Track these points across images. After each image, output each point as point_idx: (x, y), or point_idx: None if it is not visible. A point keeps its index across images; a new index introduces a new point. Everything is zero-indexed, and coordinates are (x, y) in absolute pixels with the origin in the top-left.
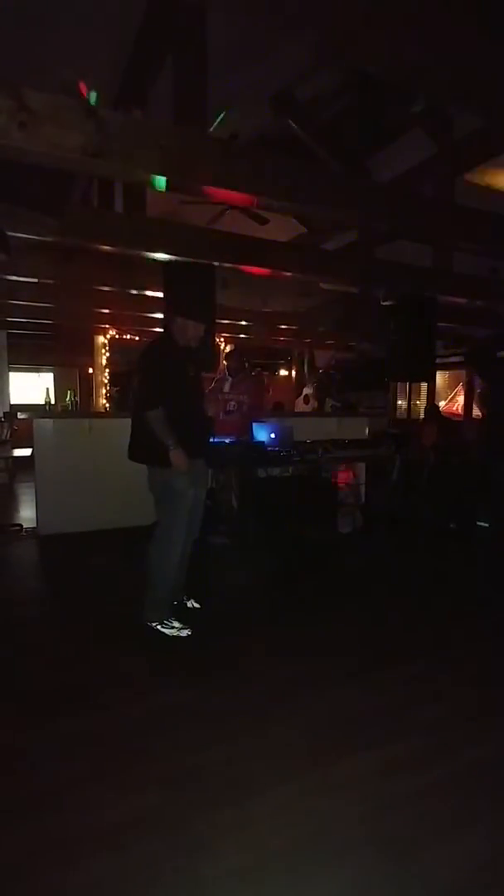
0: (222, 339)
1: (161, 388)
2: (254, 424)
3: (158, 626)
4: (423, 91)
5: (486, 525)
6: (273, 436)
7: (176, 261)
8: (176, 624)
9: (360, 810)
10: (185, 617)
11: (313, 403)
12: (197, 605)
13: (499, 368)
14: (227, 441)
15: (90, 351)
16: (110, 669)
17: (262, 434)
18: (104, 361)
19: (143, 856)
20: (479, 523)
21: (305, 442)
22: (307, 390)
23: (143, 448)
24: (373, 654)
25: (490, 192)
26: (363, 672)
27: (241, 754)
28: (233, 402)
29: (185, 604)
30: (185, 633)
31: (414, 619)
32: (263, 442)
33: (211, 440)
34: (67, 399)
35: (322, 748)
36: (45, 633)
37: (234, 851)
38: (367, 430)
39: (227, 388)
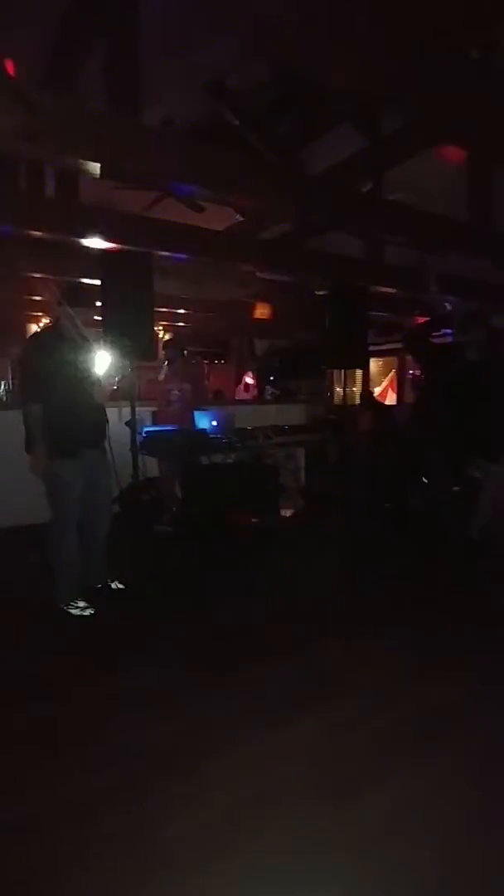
0: (161, 327)
1: (37, 384)
2: (195, 412)
3: (66, 608)
4: (346, 89)
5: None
6: (214, 423)
7: (112, 248)
8: (81, 604)
9: (302, 767)
10: (113, 600)
11: (253, 391)
12: (121, 586)
13: (433, 353)
14: (168, 429)
15: (22, 341)
16: (57, 660)
17: (204, 422)
18: None
19: (104, 826)
20: (385, 505)
21: (246, 429)
22: (247, 378)
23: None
24: (309, 627)
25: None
26: (300, 644)
27: (189, 728)
28: (175, 392)
29: (110, 585)
30: (88, 612)
31: (351, 594)
32: (205, 430)
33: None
34: (0, 390)
35: (264, 716)
36: None
37: (188, 814)
38: (305, 417)
39: (162, 376)
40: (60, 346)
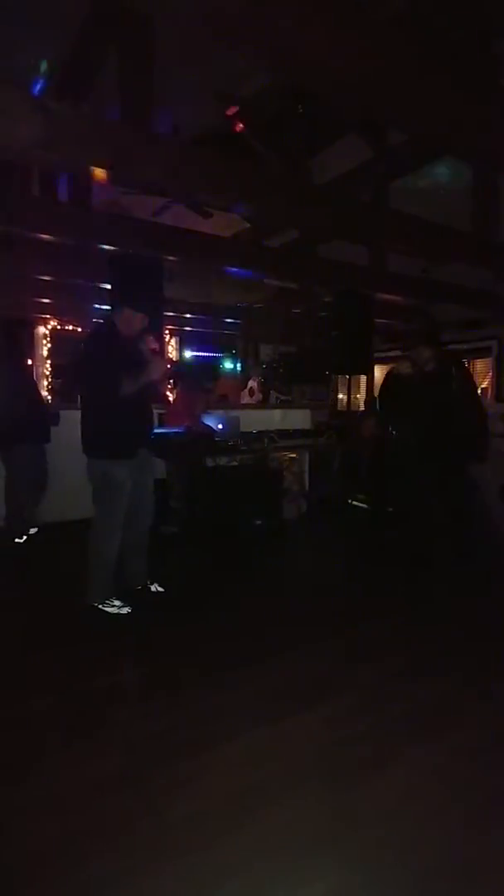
0: (168, 332)
1: (114, 374)
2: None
3: (101, 606)
4: (354, 105)
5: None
6: (220, 426)
7: (123, 252)
8: (116, 603)
9: (304, 756)
10: (144, 601)
11: (258, 396)
12: (161, 589)
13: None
14: (175, 431)
15: (30, 342)
16: (66, 653)
17: (210, 425)
18: (46, 353)
19: (114, 808)
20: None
21: (251, 432)
22: (252, 383)
23: (86, 439)
24: (311, 627)
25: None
26: (302, 642)
27: (196, 718)
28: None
29: (150, 588)
30: (125, 610)
31: (352, 594)
32: (212, 430)
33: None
34: None
35: (269, 708)
36: None
37: (192, 799)
38: (310, 421)
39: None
40: (120, 346)
